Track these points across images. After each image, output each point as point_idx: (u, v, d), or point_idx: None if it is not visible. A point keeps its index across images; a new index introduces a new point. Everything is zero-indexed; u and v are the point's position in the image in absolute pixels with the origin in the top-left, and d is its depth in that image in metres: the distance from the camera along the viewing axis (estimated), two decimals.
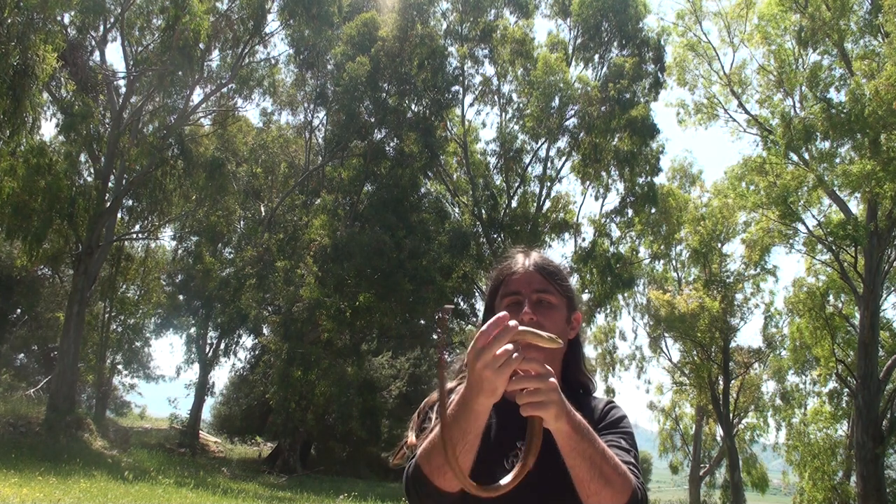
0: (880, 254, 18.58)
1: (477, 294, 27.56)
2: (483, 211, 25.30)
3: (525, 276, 1.65)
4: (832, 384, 24.56)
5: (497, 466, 1.52)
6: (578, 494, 1.37)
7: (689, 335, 27.92)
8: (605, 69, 25.19)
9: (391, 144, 24.93)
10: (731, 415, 29.24)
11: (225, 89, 22.79)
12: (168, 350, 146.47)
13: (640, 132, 23.73)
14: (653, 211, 26.25)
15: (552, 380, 1.28)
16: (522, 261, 1.69)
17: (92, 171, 21.07)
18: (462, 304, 27.72)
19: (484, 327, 1.26)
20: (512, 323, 1.25)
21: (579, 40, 25.90)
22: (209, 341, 27.96)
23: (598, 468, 1.34)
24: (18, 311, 27.54)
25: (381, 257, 21.30)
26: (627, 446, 1.53)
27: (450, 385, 1.67)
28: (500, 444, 1.47)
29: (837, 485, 22.47)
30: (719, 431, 31.77)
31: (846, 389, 22.72)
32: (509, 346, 1.24)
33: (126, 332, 27.36)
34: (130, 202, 22.71)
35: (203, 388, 27.09)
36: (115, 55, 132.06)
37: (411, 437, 1.56)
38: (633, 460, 1.49)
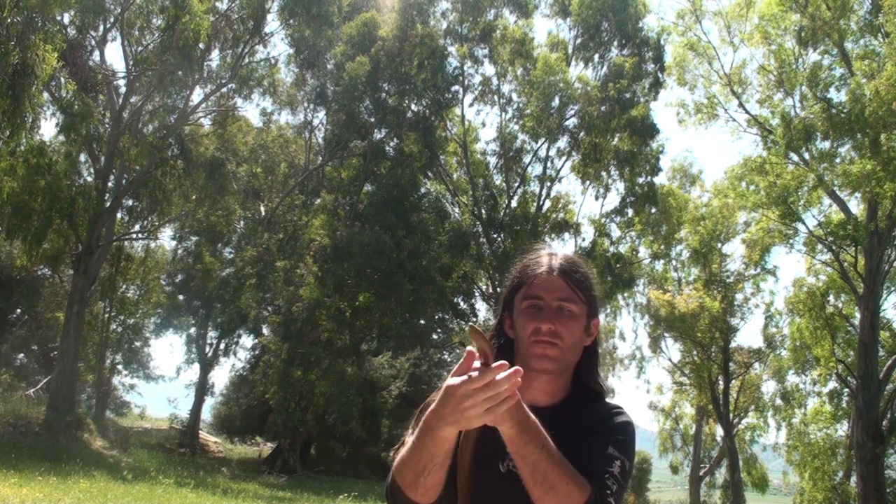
0: (880, 254, 18.57)
1: (477, 294, 27.56)
2: (483, 211, 25.29)
3: (549, 282, 1.59)
4: (832, 384, 24.56)
5: (493, 469, 1.51)
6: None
7: (689, 335, 27.91)
8: (604, 69, 25.18)
9: (391, 144, 24.94)
10: (731, 415, 29.24)
11: (225, 89, 22.79)
12: (168, 350, 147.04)
13: (640, 132, 23.73)
14: (653, 211, 26.24)
15: (503, 388, 1.25)
16: (548, 263, 1.63)
17: (92, 171, 21.07)
18: (462, 304, 27.72)
19: (479, 375, 1.25)
20: (501, 375, 1.24)
21: (579, 40, 25.89)
22: (209, 341, 27.97)
23: (541, 473, 1.33)
24: (18, 311, 27.54)
25: (381, 257, 21.30)
26: (616, 453, 1.49)
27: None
28: (496, 447, 1.46)
29: (837, 485, 22.47)
30: (719, 431, 31.78)
31: (846, 389, 22.71)
32: (498, 396, 1.24)
33: (126, 332, 27.37)
34: (130, 202, 22.70)
35: (203, 388, 27.10)
36: (115, 55, 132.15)
37: (408, 436, 1.53)
38: (612, 468, 1.45)
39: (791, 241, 20.66)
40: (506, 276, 1.74)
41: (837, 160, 18.05)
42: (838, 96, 18.18)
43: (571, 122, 24.77)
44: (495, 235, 25.18)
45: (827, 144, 18.19)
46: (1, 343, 26.97)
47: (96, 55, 21.53)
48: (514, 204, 25.60)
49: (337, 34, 23.99)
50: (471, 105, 26.76)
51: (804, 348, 23.87)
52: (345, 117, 23.80)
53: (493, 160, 26.74)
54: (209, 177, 21.40)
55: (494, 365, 1.25)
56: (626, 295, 29.80)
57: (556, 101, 24.04)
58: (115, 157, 19.80)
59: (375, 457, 26.82)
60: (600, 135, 23.96)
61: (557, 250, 1.69)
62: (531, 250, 1.70)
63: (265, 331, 26.11)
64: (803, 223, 19.90)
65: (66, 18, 19.23)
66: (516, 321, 1.60)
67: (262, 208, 27.31)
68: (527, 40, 24.93)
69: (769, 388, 31.73)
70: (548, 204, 26.45)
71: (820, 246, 20.48)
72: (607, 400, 1.69)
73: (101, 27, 20.84)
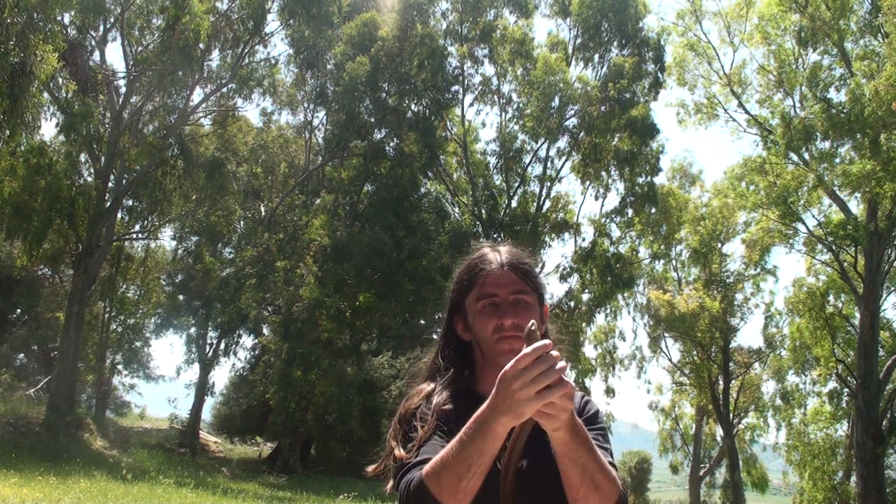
0: (880, 254, 18.58)
1: None
2: (483, 211, 25.30)
3: (502, 277, 1.59)
4: (832, 384, 24.58)
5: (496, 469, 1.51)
6: (567, 495, 1.38)
7: (689, 335, 27.92)
8: (604, 69, 25.18)
9: (391, 144, 24.93)
10: (731, 415, 29.24)
11: (225, 89, 22.80)
12: (168, 350, 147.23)
13: (640, 132, 23.73)
14: (653, 211, 26.25)
15: (569, 391, 1.24)
16: (495, 258, 1.63)
17: (92, 171, 21.08)
18: None
19: (528, 350, 1.23)
20: (555, 353, 1.23)
21: (579, 40, 25.90)
22: (209, 341, 27.98)
23: (589, 475, 1.35)
24: (18, 311, 27.54)
25: (381, 257, 21.29)
26: (606, 444, 1.54)
27: (424, 387, 1.64)
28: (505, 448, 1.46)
29: (837, 485, 22.47)
30: (719, 431, 31.78)
31: (846, 389, 22.71)
32: (552, 375, 1.21)
33: (126, 332, 27.38)
34: (130, 202, 22.73)
35: (203, 388, 27.11)
36: (115, 55, 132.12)
37: (398, 449, 1.50)
38: (613, 460, 1.49)
39: (791, 241, 20.68)
40: (450, 281, 1.72)
41: (837, 160, 18.05)
42: (838, 96, 18.21)
43: (571, 122, 24.79)
44: (495, 235, 25.17)
45: (827, 144, 18.21)
46: (1, 343, 26.97)
47: (96, 55, 21.55)
48: (514, 204, 25.61)
49: (337, 34, 23.98)
50: (471, 105, 26.82)
51: (804, 348, 23.88)
52: (345, 117, 23.80)
53: (493, 160, 26.76)
54: (209, 177, 21.41)
55: (539, 343, 1.22)
56: (626, 295, 29.76)
57: (556, 101, 24.05)
58: (115, 157, 19.81)
59: (376, 457, 26.75)
60: (600, 135, 23.97)
61: (498, 245, 1.69)
62: (471, 251, 1.69)
63: (265, 331, 26.11)
64: (803, 223, 19.92)
65: (66, 18, 19.25)
66: (474, 323, 1.60)
67: (262, 208, 27.31)
68: (527, 40, 24.94)
69: (769, 388, 31.77)
70: (548, 204, 26.47)
71: (820, 246, 20.49)
72: None
73: (102, 27, 20.85)
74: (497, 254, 1.65)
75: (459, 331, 1.66)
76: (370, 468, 1.64)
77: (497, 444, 1.29)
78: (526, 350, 1.23)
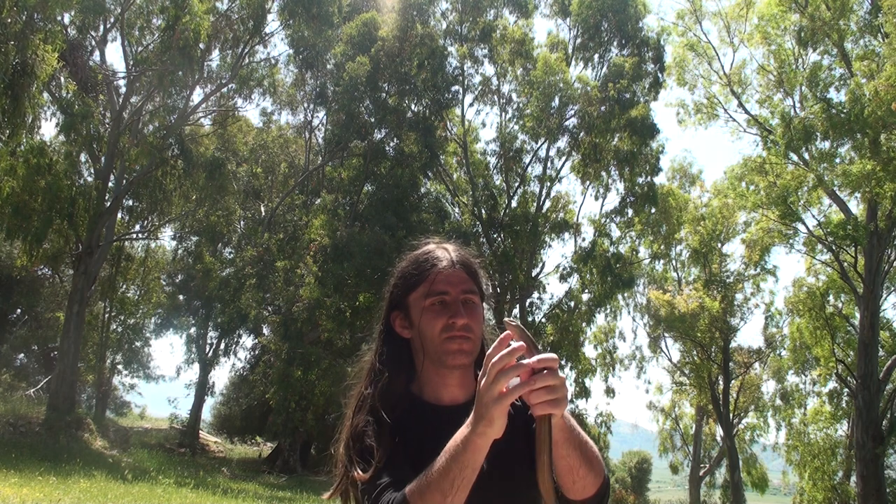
0: (880, 254, 18.58)
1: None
2: (483, 211, 25.29)
3: (453, 276, 1.56)
4: (832, 384, 24.59)
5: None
6: (562, 482, 1.38)
7: (689, 335, 27.92)
8: (604, 69, 25.17)
9: (391, 144, 24.94)
10: (731, 415, 29.24)
11: (225, 89, 22.80)
12: (168, 350, 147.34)
13: (640, 132, 23.72)
14: (653, 211, 26.22)
15: (562, 374, 1.24)
16: (445, 256, 1.60)
17: (92, 171, 21.09)
18: None
19: (497, 357, 1.20)
20: (518, 356, 1.21)
21: (579, 40, 25.89)
22: (209, 341, 27.99)
23: (585, 454, 1.38)
24: (18, 311, 27.55)
25: (381, 257, 21.28)
26: None
27: (367, 395, 1.58)
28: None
29: (837, 485, 22.49)
30: (719, 431, 31.78)
31: (846, 389, 22.72)
32: (516, 381, 1.20)
33: (126, 332, 27.40)
34: (130, 202, 22.73)
35: (203, 388, 27.12)
36: (115, 55, 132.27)
37: (358, 472, 1.46)
38: None
39: (791, 241, 20.69)
40: (391, 276, 1.69)
41: (837, 160, 18.05)
42: (838, 96, 18.22)
43: (571, 122, 24.78)
44: (495, 235, 25.18)
45: (827, 144, 18.20)
46: (1, 343, 26.97)
47: (96, 55, 21.56)
48: (514, 204, 25.60)
49: (337, 34, 23.99)
50: (471, 105, 26.80)
51: (804, 348, 23.89)
52: (345, 117, 23.80)
53: (493, 160, 26.75)
54: (209, 177, 21.41)
55: (512, 346, 1.20)
56: (626, 295, 29.76)
57: (556, 101, 24.04)
58: (116, 157, 19.81)
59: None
60: (600, 135, 23.95)
61: (444, 243, 1.66)
62: (417, 247, 1.66)
63: (265, 331, 26.11)
64: (803, 223, 19.93)
65: (66, 18, 19.25)
66: (421, 321, 1.56)
67: (262, 208, 27.33)
68: (527, 40, 24.93)
69: (769, 388, 31.81)
70: (548, 204, 26.46)
71: (820, 246, 20.49)
72: None
73: (102, 27, 20.85)
74: (446, 251, 1.61)
75: (398, 327, 1.63)
76: (326, 494, 1.60)
77: (479, 457, 1.27)
78: (499, 355, 1.21)
